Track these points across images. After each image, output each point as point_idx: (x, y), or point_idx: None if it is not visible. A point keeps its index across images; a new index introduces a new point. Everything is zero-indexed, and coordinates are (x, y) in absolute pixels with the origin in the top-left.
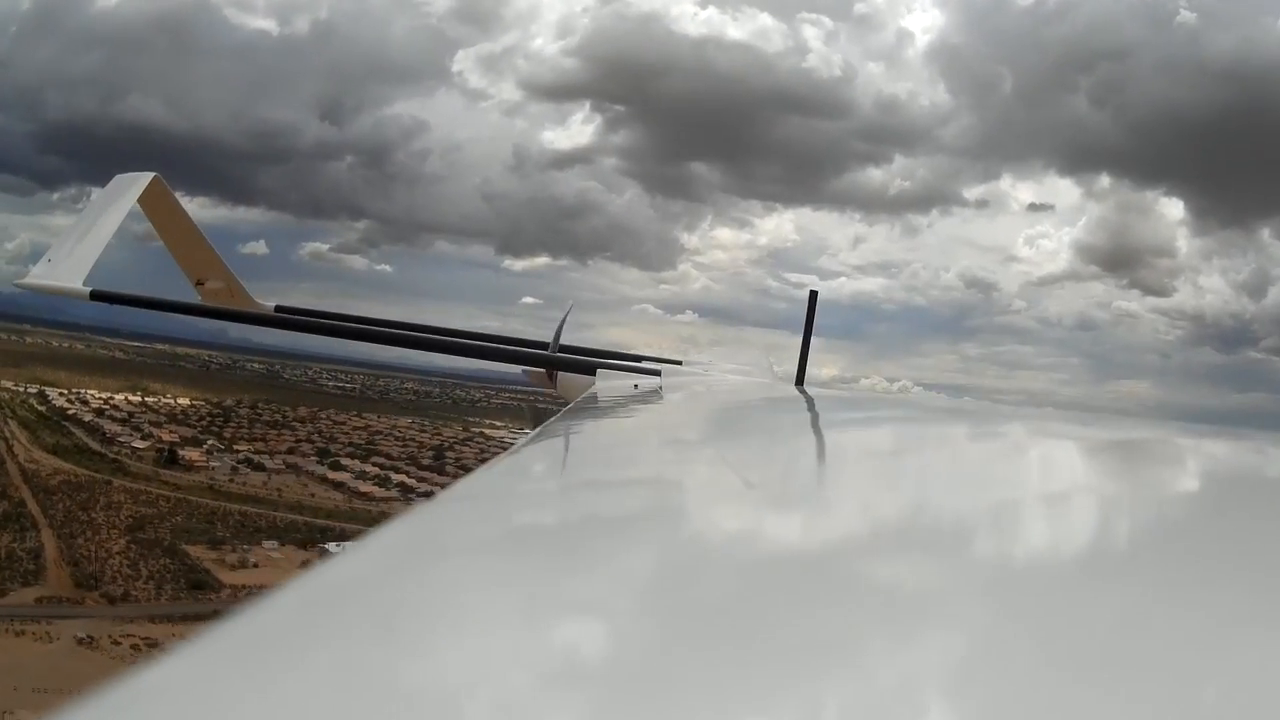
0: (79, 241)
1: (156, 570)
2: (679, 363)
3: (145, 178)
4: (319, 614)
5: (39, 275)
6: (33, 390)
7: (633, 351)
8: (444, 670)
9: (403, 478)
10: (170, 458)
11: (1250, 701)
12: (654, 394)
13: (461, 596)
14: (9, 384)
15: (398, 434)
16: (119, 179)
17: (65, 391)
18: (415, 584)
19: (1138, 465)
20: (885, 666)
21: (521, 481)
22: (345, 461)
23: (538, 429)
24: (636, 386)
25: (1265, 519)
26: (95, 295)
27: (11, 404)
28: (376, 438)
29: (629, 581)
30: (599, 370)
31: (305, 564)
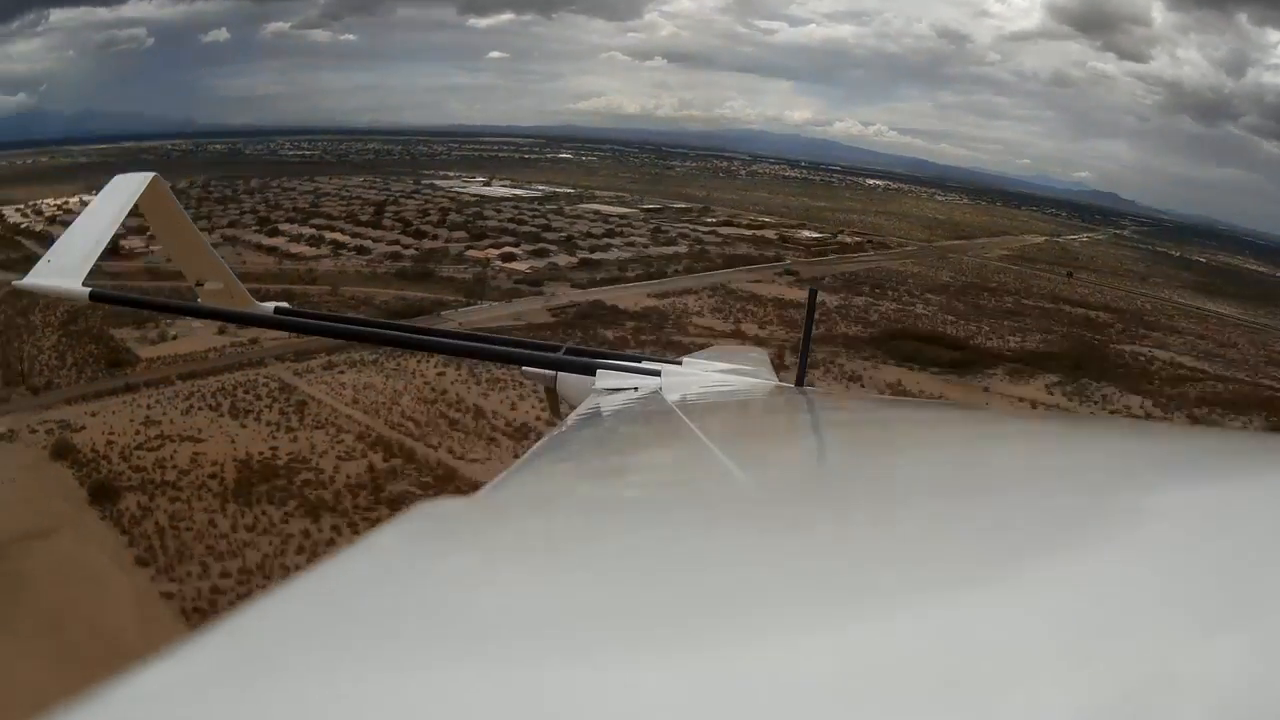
0: (78, 242)
1: (80, 357)
2: (679, 363)
3: (145, 178)
4: (320, 613)
5: (38, 276)
6: None
7: (632, 352)
8: (445, 672)
9: (336, 234)
10: (111, 249)
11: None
12: (654, 396)
13: (463, 596)
14: None
15: (345, 194)
16: (118, 179)
17: (21, 207)
18: (417, 583)
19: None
20: (885, 667)
21: (536, 487)
22: (284, 227)
23: (546, 437)
24: (636, 389)
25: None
26: (94, 296)
27: None
28: (323, 199)
29: (632, 584)
30: (599, 371)
31: (223, 330)
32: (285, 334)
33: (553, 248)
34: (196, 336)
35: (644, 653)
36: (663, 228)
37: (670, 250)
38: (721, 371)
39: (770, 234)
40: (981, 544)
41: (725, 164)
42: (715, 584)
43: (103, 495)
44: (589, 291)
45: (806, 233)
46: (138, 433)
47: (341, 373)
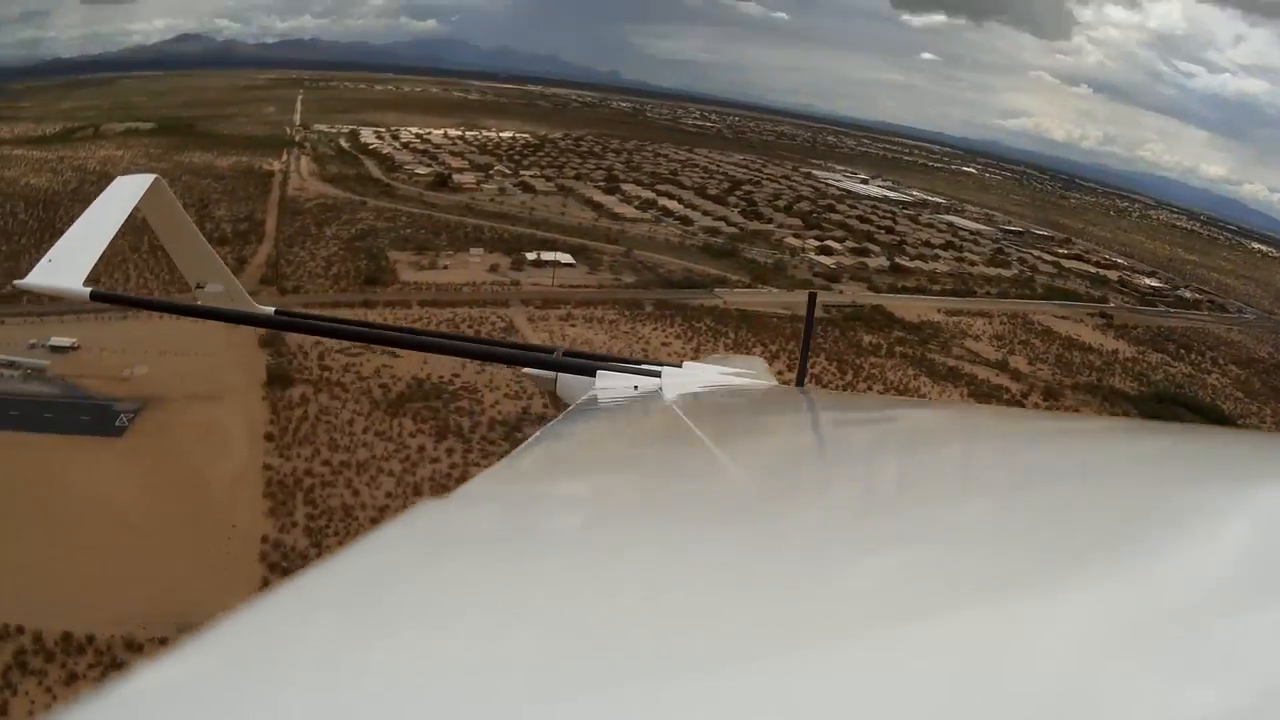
0: (79, 243)
1: (345, 270)
2: (678, 366)
3: (146, 179)
4: (320, 613)
5: (39, 275)
6: (346, 130)
7: (633, 355)
8: (443, 665)
9: (671, 203)
10: (441, 181)
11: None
12: (653, 394)
13: (463, 595)
14: (324, 127)
15: (712, 168)
16: (120, 181)
17: (382, 130)
18: (416, 583)
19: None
20: (885, 668)
21: (526, 482)
22: (626, 187)
23: (539, 430)
24: (636, 388)
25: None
26: (95, 296)
27: (315, 143)
28: (686, 169)
29: (632, 581)
30: (599, 371)
31: (494, 268)
32: (543, 286)
33: (876, 249)
34: (465, 269)
35: (644, 650)
36: (1005, 250)
37: (995, 272)
38: (721, 373)
39: (1112, 275)
40: (981, 543)
41: (1125, 204)
42: (715, 582)
43: (277, 380)
44: (882, 296)
45: (1150, 281)
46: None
47: (573, 325)
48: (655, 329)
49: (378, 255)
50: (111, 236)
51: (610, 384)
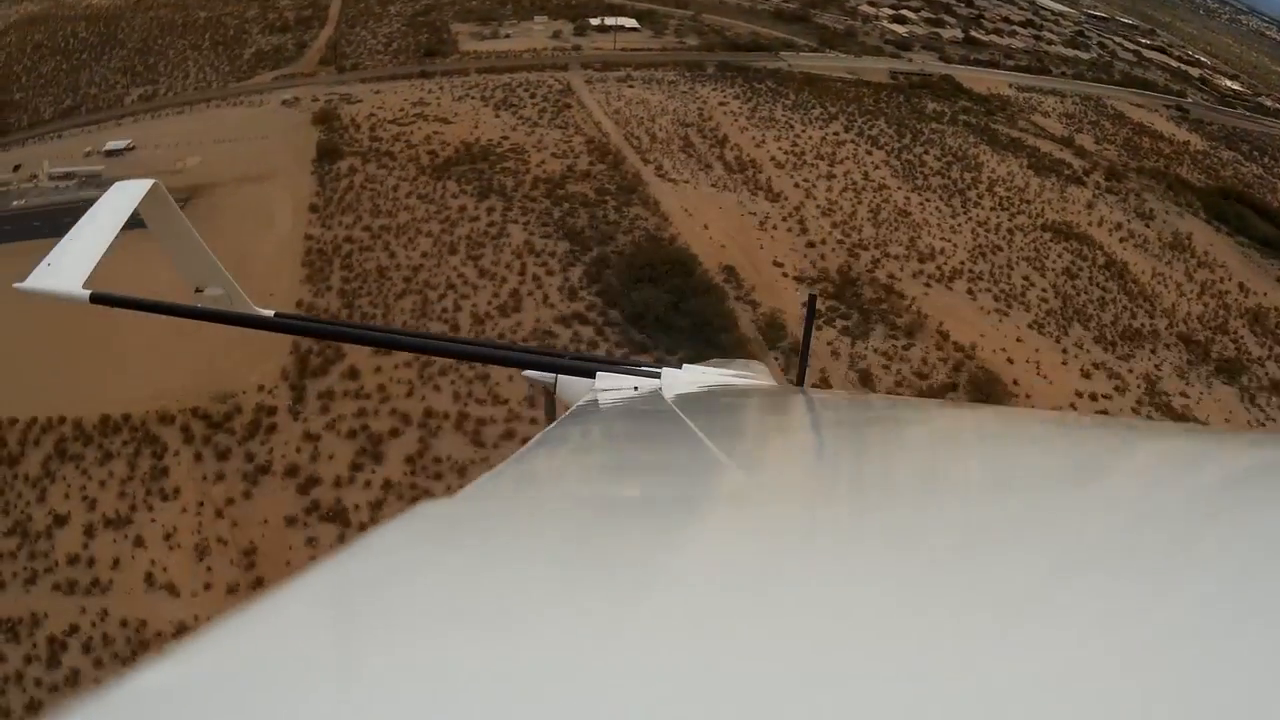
0: (78, 248)
1: (405, 45)
2: (679, 368)
3: (145, 184)
4: (320, 613)
5: (38, 279)
6: None
7: (631, 357)
8: (444, 666)
9: None
10: None
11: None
12: (654, 395)
13: (463, 597)
14: None
15: None
16: (118, 186)
17: None
18: (417, 584)
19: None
20: (885, 668)
21: (527, 485)
22: None
23: (540, 434)
24: (636, 389)
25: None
26: (95, 299)
27: None
28: None
29: (633, 582)
30: (599, 373)
31: (557, 34)
32: (605, 50)
33: (951, 20)
34: (528, 37)
35: (645, 650)
36: (1086, 33)
37: (1073, 54)
38: (721, 375)
39: (1193, 71)
40: (983, 544)
41: (1216, 5)
42: (715, 582)
43: (326, 155)
44: (953, 66)
45: (1231, 83)
46: (401, 110)
47: (631, 86)
48: (714, 90)
49: (440, 28)
50: (110, 241)
51: (610, 385)
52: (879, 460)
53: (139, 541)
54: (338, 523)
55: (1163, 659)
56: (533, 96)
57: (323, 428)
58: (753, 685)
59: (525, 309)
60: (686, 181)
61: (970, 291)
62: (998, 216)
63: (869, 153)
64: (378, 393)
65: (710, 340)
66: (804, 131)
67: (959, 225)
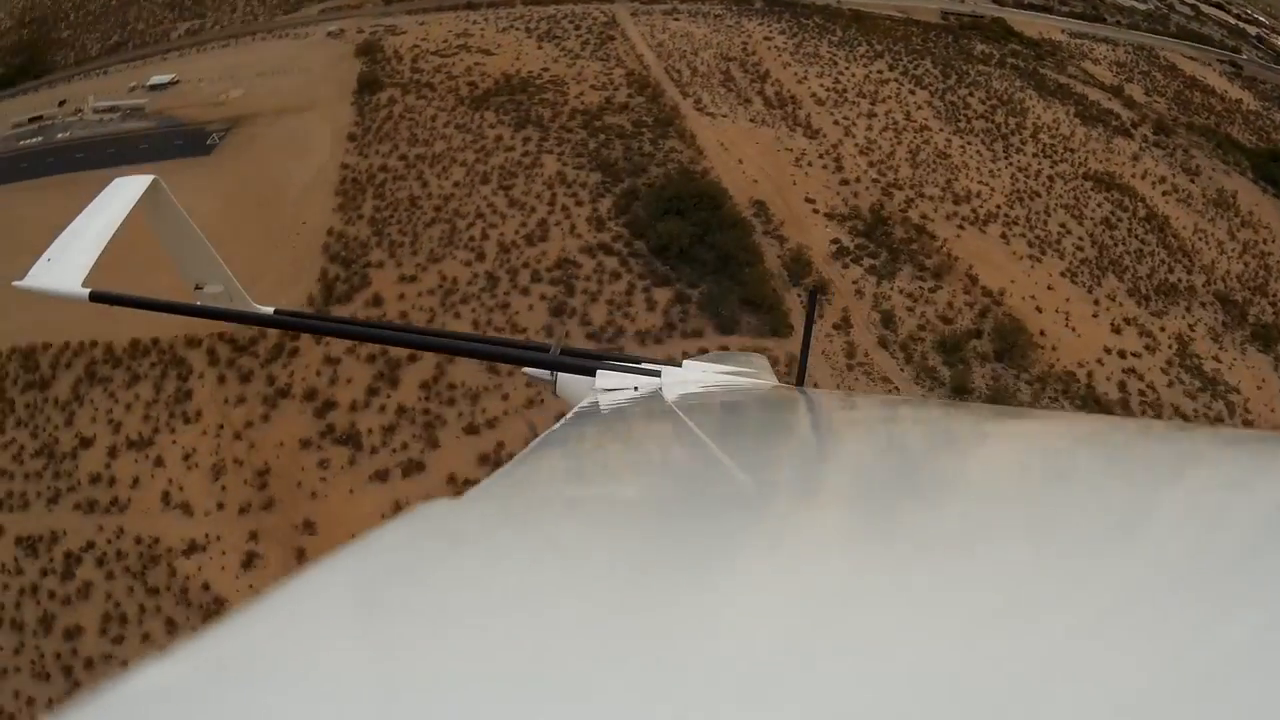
0: (78, 244)
1: None
2: (679, 365)
3: (144, 180)
4: (320, 613)
5: (37, 276)
6: None
7: (631, 353)
8: (444, 667)
9: None
10: None
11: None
12: (654, 395)
13: (463, 597)
14: None
15: None
16: (118, 182)
17: None
18: (417, 585)
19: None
20: (886, 669)
21: (527, 487)
22: None
23: (540, 436)
24: (637, 389)
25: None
26: (94, 297)
27: None
28: None
29: (633, 583)
30: (599, 371)
31: None
32: None
33: None
34: None
35: (645, 652)
36: None
37: (1129, 3)
38: (722, 372)
39: (1251, 30)
40: (984, 546)
41: None
42: (716, 584)
43: (367, 86)
44: (1005, 9)
45: None
46: (444, 42)
47: (676, 19)
48: (760, 24)
49: None
50: (110, 237)
51: (610, 383)
52: (877, 461)
53: (159, 462)
54: (350, 446)
55: (1160, 658)
56: (576, 28)
57: (343, 352)
58: (751, 686)
59: (552, 238)
60: (725, 116)
61: (1004, 236)
62: (1039, 163)
63: (912, 92)
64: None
65: (734, 275)
66: (848, 69)
67: (998, 169)
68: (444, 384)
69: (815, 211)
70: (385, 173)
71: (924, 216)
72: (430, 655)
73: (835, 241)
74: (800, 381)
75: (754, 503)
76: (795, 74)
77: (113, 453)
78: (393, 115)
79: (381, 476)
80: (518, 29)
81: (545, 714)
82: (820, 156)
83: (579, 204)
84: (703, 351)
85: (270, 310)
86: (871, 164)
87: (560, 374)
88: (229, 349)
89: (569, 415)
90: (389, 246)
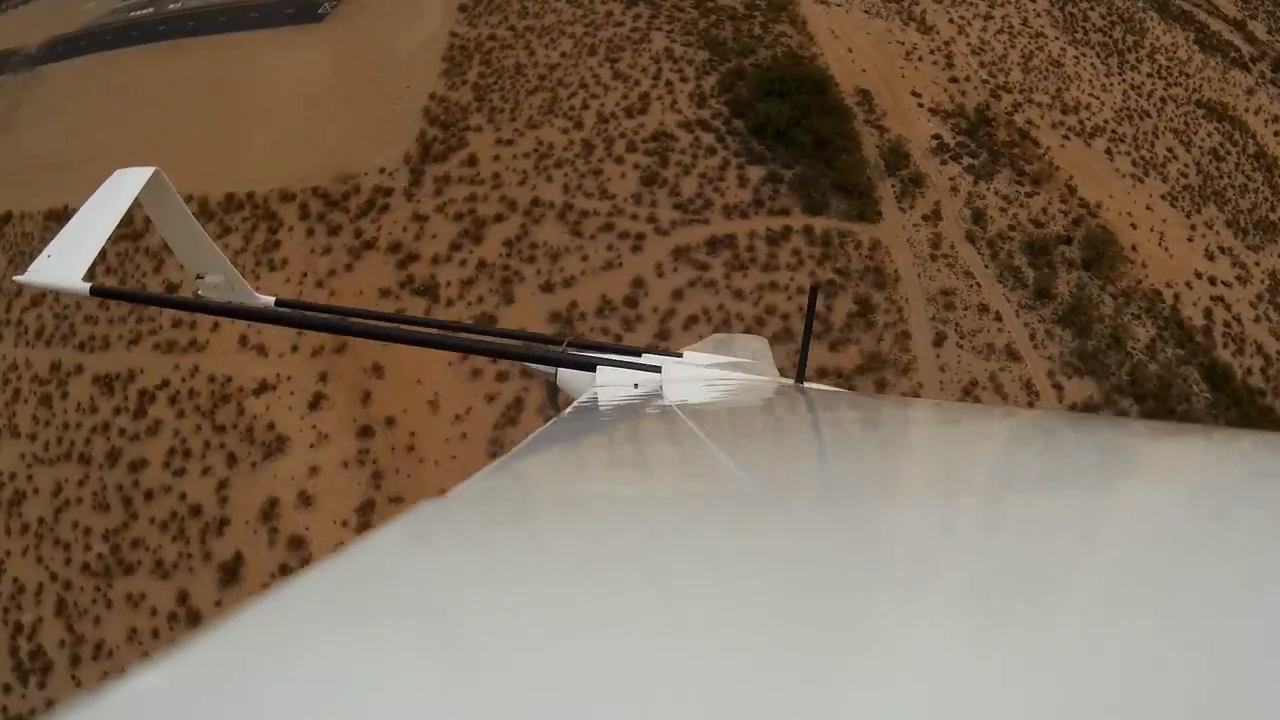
0: (79, 238)
1: None
2: (679, 355)
3: (146, 172)
4: (320, 613)
5: (38, 271)
6: None
7: (632, 346)
8: (444, 667)
9: None
10: None
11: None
12: (653, 392)
13: (464, 598)
14: None
15: None
16: (119, 174)
17: None
18: (417, 585)
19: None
20: (886, 671)
21: (526, 484)
22: None
23: (538, 430)
24: (637, 386)
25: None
26: (95, 291)
27: None
28: None
29: (633, 584)
30: (599, 367)
31: None
32: None
33: None
34: None
35: (644, 650)
36: None
37: None
38: (722, 366)
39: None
40: (985, 548)
41: None
42: (715, 585)
43: None
44: None
45: None
46: None
47: None
48: None
49: None
50: (111, 230)
51: (610, 379)
52: (876, 461)
53: None
54: (427, 297)
55: (1155, 660)
56: None
57: (432, 210)
58: (750, 686)
59: (651, 111)
60: (839, 5)
61: (1109, 152)
62: (1152, 83)
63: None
64: (491, 179)
65: (829, 161)
66: None
67: (1110, 84)
68: (526, 242)
69: (920, 106)
70: (493, 42)
71: (1029, 122)
72: (429, 655)
73: (936, 137)
74: (800, 378)
75: (751, 501)
76: None
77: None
78: None
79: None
80: None
81: (544, 712)
82: (931, 52)
83: (683, 80)
84: (784, 224)
85: (271, 300)
86: (983, 64)
87: (561, 369)
88: (321, 203)
89: (566, 410)
90: (489, 112)
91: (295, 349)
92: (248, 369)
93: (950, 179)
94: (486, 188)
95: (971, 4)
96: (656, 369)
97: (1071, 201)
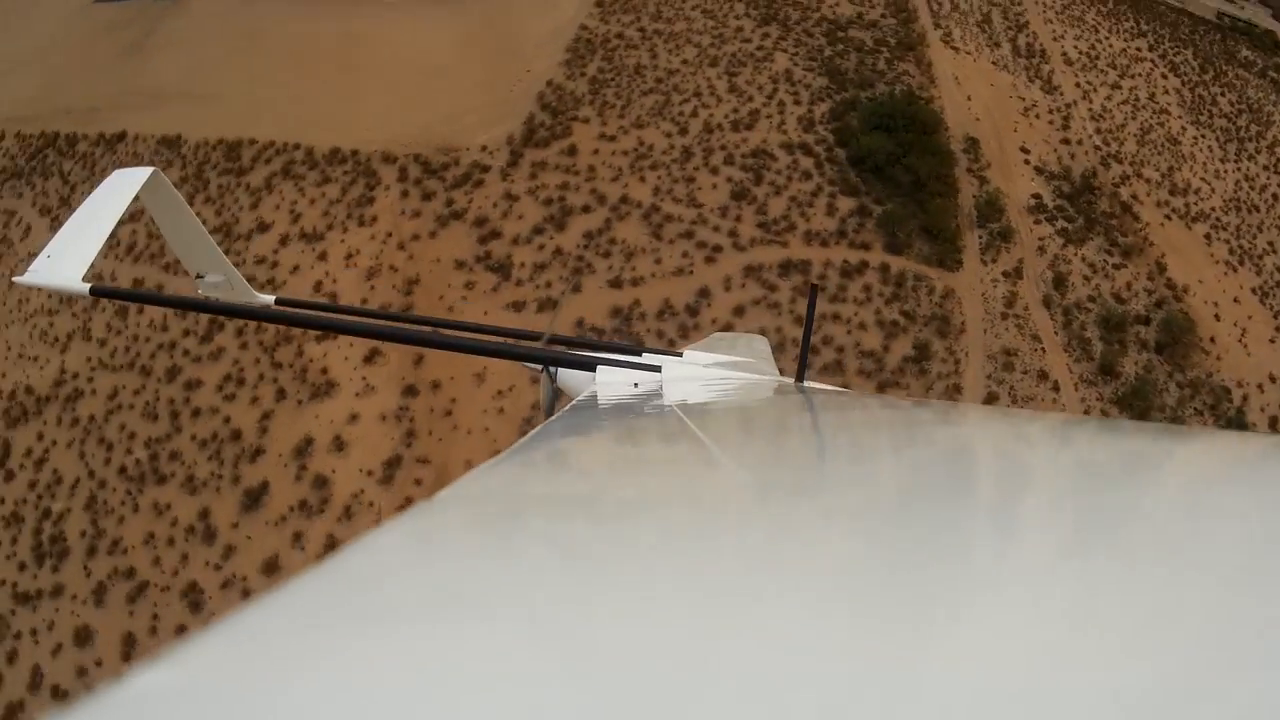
0: (78, 238)
1: None
2: (679, 355)
3: (145, 172)
4: (320, 614)
5: (37, 272)
6: None
7: (630, 344)
8: (443, 667)
9: None
10: None
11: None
12: (653, 392)
13: (464, 598)
14: None
15: None
16: (118, 174)
17: None
18: (417, 585)
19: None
20: (886, 672)
21: (525, 484)
22: None
23: (537, 429)
24: (636, 385)
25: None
26: (95, 292)
27: None
28: None
29: (633, 584)
30: (599, 366)
31: None
32: None
33: None
34: None
35: (643, 650)
36: None
37: None
38: (722, 365)
39: None
40: (985, 548)
41: None
42: (716, 586)
43: None
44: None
45: None
46: None
47: None
48: None
49: None
50: (110, 231)
51: (609, 378)
52: (875, 461)
53: (322, 256)
54: (499, 274)
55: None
56: None
57: (524, 192)
58: (746, 686)
59: (757, 128)
60: (969, 53)
61: (1208, 237)
62: (1268, 176)
63: (1164, 76)
64: (586, 171)
65: (922, 202)
66: (1107, 39)
67: (1225, 171)
68: (606, 237)
69: (1026, 162)
70: (620, 40)
71: (1134, 197)
72: (429, 654)
73: (1036, 196)
74: (800, 378)
75: (750, 501)
76: (1053, 31)
77: (284, 240)
78: None
79: (517, 307)
80: None
81: (542, 710)
82: (1050, 111)
83: (796, 102)
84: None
85: (270, 299)
86: (1099, 130)
87: (561, 369)
88: (419, 169)
89: (565, 409)
90: (600, 106)
91: (364, 301)
92: None
93: (1040, 239)
94: (580, 178)
95: (1102, 72)
96: (657, 368)
97: (1159, 280)
